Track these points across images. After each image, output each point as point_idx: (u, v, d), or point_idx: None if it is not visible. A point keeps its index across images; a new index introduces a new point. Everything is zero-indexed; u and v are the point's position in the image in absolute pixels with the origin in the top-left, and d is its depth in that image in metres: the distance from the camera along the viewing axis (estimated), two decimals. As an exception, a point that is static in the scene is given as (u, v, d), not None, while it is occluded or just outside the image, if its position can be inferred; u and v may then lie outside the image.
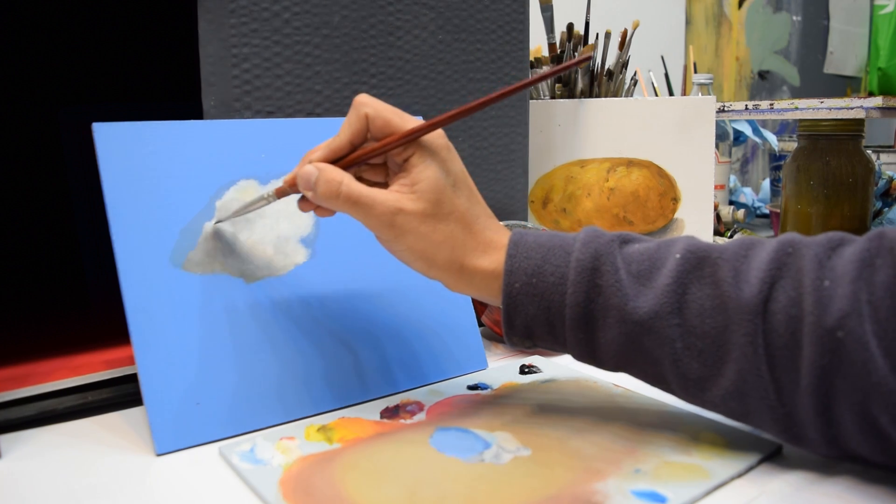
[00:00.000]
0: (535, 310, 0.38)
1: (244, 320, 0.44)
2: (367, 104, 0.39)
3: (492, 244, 0.40)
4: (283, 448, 0.39)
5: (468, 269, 0.39)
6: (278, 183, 0.43)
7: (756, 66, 1.79)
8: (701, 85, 1.09)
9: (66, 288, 0.70)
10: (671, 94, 1.16)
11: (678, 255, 0.36)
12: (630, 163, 0.72)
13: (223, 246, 0.45)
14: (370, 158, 0.39)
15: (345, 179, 0.38)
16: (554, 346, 0.40)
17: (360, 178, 0.41)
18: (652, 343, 0.36)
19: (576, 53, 0.80)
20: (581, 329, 0.38)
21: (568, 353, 0.40)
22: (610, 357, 0.38)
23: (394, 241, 0.39)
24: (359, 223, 0.50)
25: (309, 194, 0.39)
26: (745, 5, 1.73)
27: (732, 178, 1.23)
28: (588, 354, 0.39)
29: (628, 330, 0.36)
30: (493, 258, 0.39)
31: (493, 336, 0.60)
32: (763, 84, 1.81)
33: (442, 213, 0.38)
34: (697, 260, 0.36)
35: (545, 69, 0.82)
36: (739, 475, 0.36)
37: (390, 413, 0.44)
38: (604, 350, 0.38)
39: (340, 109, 0.53)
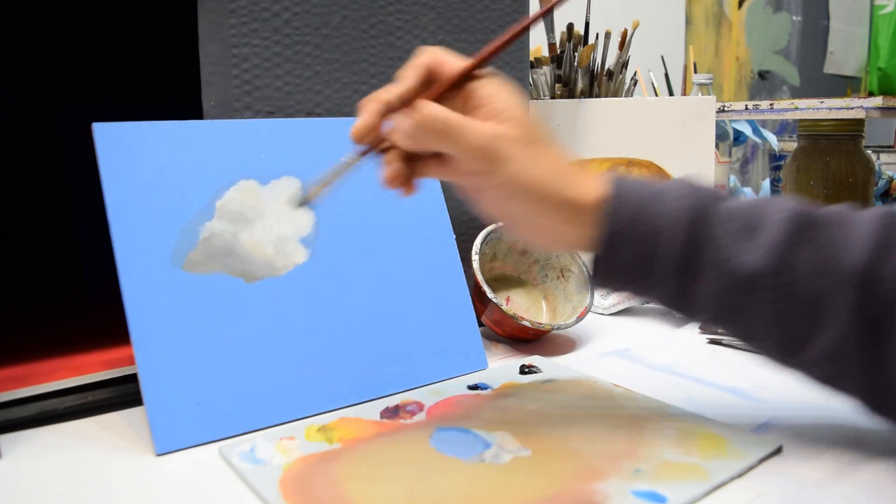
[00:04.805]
0: (630, 255, 0.37)
1: (244, 320, 0.44)
2: (425, 51, 0.38)
3: (588, 182, 0.38)
4: (283, 448, 0.39)
5: (566, 202, 0.37)
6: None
7: (756, 66, 1.79)
8: (701, 85, 1.09)
9: (66, 288, 0.70)
10: (671, 94, 1.16)
11: (784, 215, 0.36)
12: (630, 163, 0.72)
13: (223, 246, 0.45)
14: (449, 90, 0.38)
15: (436, 106, 0.36)
16: (643, 291, 0.39)
17: None
18: (752, 301, 0.36)
19: (576, 54, 0.80)
20: (677, 279, 0.37)
21: (654, 300, 0.39)
22: (704, 310, 0.37)
23: (491, 174, 0.36)
24: (358, 224, 0.50)
25: (398, 136, 0.37)
26: (745, 5, 1.73)
27: (732, 178, 1.23)
28: (680, 305, 0.38)
29: (728, 286, 0.36)
30: (590, 195, 0.38)
31: (493, 336, 0.60)
32: (763, 84, 1.81)
33: (537, 140, 0.37)
34: (805, 222, 0.36)
35: (545, 69, 0.82)
36: (739, 475, 0.36)
37: (390, 413, 0.44)
38: (699, 303, 0.37)
39: (340, 109, 0.53)
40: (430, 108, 0.36)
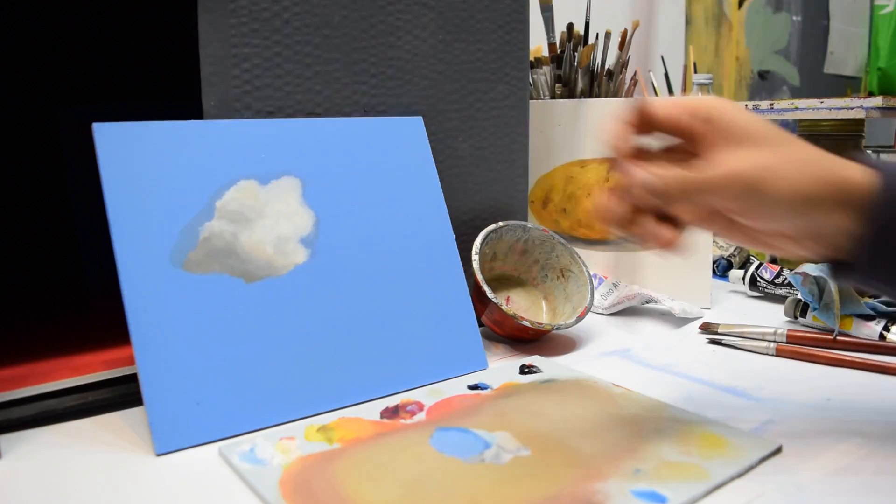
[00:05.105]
0: None
1: (244, 320, 0.44)
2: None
3: (852, 170, 0.36)
4: (283, 448, 0.39)
5: (835, 197, 0.35)
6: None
7: (756, 66, 1.79)
8: (701, 85, 1.09)
9: (66, 288, 0.70)
10: (671, 94, 1.16)
11: None
12: (630, 163, 0.72)
13: (223, 246, 0.45)
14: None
15: (683, 173, 0.36)
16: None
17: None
18: None
19: (576, 53, 0.80)
20: None
21: None
22: None
23: (753, 202, 0.35)
24: (358, 224, 0.50)
25: (653, 201, 0.37)
26: (745, 5, 1.73)
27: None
28: None
29: None
30: (858, 183, 0.35)
31: (493, 336, 0.60)
32: (763, 84, 1.81)
33: (779, 142, 0.35)
34: None
35: (545, 69, 0.82)
36: (739, 475, 0.36)
37: (390, 413, 0.44)
38: None
39: (340, 109, 0.53)
40: (669, 175, 0.36)
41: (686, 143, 0.38)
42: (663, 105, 0.38)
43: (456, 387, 0.48)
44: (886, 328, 0.56)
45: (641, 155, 0.38)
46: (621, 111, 0.38)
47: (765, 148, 0.35)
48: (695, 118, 0.37)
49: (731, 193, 0.35)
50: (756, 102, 0.89)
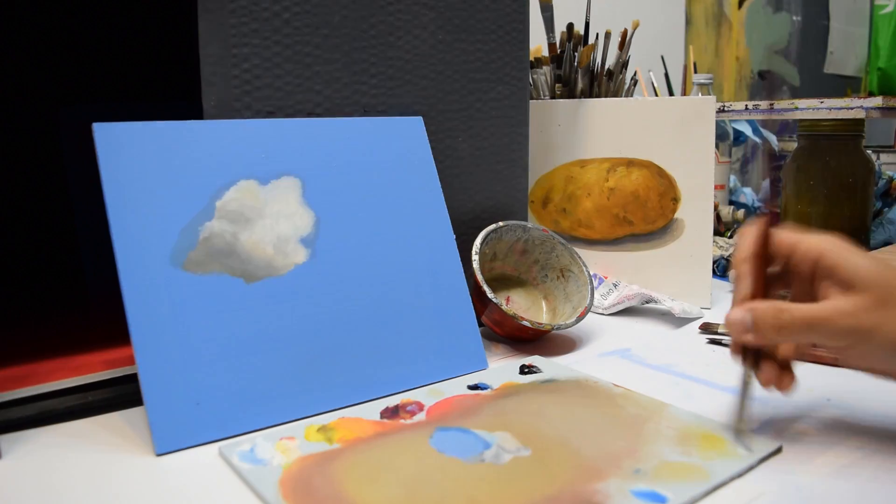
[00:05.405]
0: None
1: (244, 320, 0.44)
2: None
3: None
4: (283, 448, 0.39)
5: None
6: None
7: (756, 66, 1.79)
8: (701, 85, 1.09)
9: (66, 288, 0.70)
10: (671, 94, 1.16)
11: None
12: (630, 163, 0.72)
13: (223, 246, 0.45)
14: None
15: (781, 305, 0.37)
16: None
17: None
18: None
19: (575, 54, 0.80)
20: None
21: None
22: None
23: (861, 346, 0.36)
24: (358, 224, 0.50)
25: (749, 338, 0.38)
26: (745, 5, 1.73)
27: (732, 178, 1.23)
28: None
29: None
30: None
31: (493, 336, 0.60)
32: (763, 84, 1.81)
33: (892, 284, 0.36)
34: None
35: (545, 69, 0.82)
36: (739, 475, 0.36)
37: (390, 413, 0.44)
38: None
39: (340, 109, 0.53)
40: (785, 311, 0.37)
41: (788, 277, 0.40)
42: (778, 237, 0.39)
43: (456, 387, 0.48)
44: (886, 328, 0.56)
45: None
46: (749, 241, 0.39)
47: (873, 296, 0.36)
48: (804, 257, 0.38)
49: (834, 336, 0.36)
50: (756, 102, 0.89)
